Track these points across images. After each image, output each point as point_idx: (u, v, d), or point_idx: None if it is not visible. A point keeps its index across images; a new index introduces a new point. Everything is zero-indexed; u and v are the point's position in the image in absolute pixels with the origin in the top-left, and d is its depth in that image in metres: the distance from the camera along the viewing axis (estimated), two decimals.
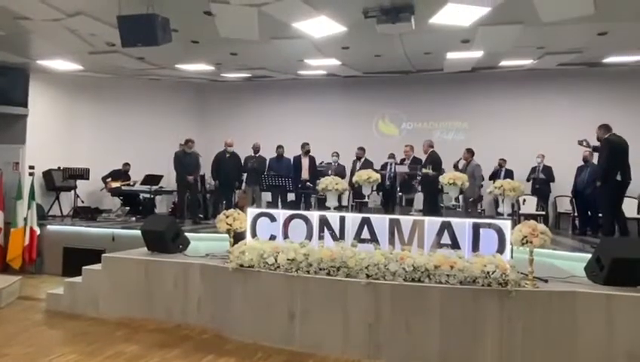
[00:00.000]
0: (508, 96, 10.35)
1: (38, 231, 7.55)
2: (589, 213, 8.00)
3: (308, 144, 9.31)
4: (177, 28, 6.23)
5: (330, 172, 8.53)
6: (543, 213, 9.23)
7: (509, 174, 9.30)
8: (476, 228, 4.46)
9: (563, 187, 9.39)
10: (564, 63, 8.72)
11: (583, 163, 8.40)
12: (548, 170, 9.35)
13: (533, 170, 9.49)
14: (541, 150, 9.43)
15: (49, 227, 7.94)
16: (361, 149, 9.44)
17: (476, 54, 8.03)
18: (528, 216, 8.32)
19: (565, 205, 9.57)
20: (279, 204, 8.84)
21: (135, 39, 5.54)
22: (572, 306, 3.99)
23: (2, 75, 8.97)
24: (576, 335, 3.96)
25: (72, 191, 9.35)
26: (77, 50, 7.90)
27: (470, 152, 8.79)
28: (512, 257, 4.48)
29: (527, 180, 9.42)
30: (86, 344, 4.45)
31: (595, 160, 7.87)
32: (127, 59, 8.40)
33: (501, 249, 4.36)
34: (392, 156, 9.40)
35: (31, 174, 7.96)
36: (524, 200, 8.95)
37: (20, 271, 7.06)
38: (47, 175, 9.29)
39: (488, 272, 4.07)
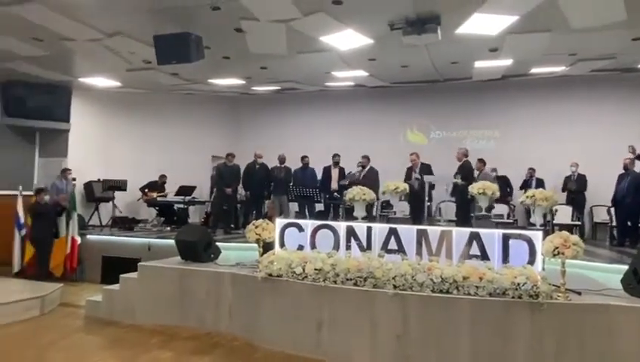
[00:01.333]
0: (540, 104, 10.14)
1: (79, 240, 7.89)
2: (629, 223, 7.71)
3: (338, 155, 9.38)
4: (209, 45, 6.48)
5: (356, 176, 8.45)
6: (579, 223, 8.95)
7: (540, 183, 9.09)
8: (506, 238, 4.40)
9: (599, 196, 9.09)
10: (598, 69, 8.50)
11: (623, 171, 8.10)
12: (582, 179, 9.08)
13: (568, 178, 9.24)
14: (575, 158, 9.18)
15: (89, 236, 8.30)
16: (366, 158, 8.93)
17: (505, 62, 7.94)
18: (563, 227, 8.10)
19: (602, 215, 9.25)
20: (307, 214, 8.94)
21: (170, 57, 5.81)
22: (607, 320, 3.87)
23: (47, 92, 9.54)
24: (611, 350, 3.84)
25: (111, 202, 9.75)
26: (116, 68, 8.32)
27: (482, 162, 8.60)
28: (543, 269, 4.40)
29: (563, 190, 9.18)
30: (123, 350, 4.64)
31: (637, 168, 7.62)
32: (163, 75, 8.77)
33: (532, 260, 4.28)
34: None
35: (73, 186, 8.35)
36: (556, 210, 8.69)
37: (61, 279, 7.39)
38: (88, 186, 9.74)
39: (519, 284, 4.00)
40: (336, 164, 9.35)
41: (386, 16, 5.76)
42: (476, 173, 8.57)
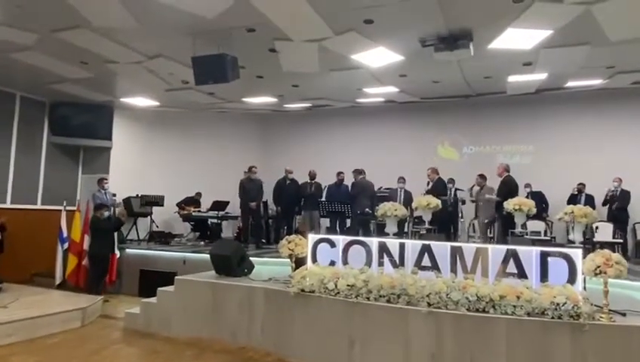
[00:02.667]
0: (576, 118, 9.88)
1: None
2: None
3: (364, 171, 9.39)
4: (244, 65, 6.68)
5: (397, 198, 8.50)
6: (621, 240, 8.57)
7: (590, 200, 8.76)
8: (544, 256, 4.29)
9: None
10: (639, 82, 8.22)
11: None
12: (625, 195, 8.73)
13: (610, 195, 8.89)
14: (617, 173, 8.84)
15: (127, 250, 8.57)
16: (402, 179, 9.21)
17: (540, 76, 7.80)
18: (604, 244, 7.78)
19: None
20: (337, 229, 8.93)
21: (207, 77, 6.02)
22: None
23: (90, 111, 10.02)
24: None
25: (149, 217, 10.06)
26: (155, 88, 8.69)
27: (483, 178, 8.44)
28: (584, 288, 4.25)
29: (603, 205, 8.85)
30: (159, 361, 4.74)
31: None
32: (200, 94, 9.08)
33: (572, 279, 4.15)
34: (451, 181, 9.28)
35: (113, 202, 8.68)
36: (597, 228, 8.37)
37: (100, 291, 7.64)
38: (127, 202, 10.08)
39: (558, 304, 3.88)
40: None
41: (417, 33, 5.81)
42: (476, 188, 8.42)
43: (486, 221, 8.22)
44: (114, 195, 9.07)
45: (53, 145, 9.99)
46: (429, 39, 5.79)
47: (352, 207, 8.67)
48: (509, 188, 7.63)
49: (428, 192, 8.16)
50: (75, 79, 8.11)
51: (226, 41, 5.95)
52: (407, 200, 8.27)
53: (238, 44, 6.10)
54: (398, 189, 9.24)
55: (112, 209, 8.69)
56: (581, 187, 9.15)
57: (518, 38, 5.74)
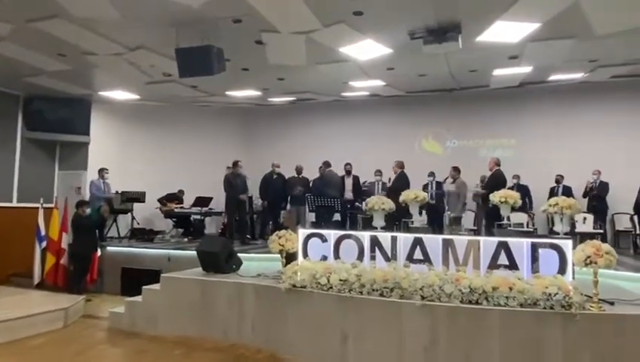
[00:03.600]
0: (558, 111, 10.04)
1: (99, 252, 7.95)
2: None
3: (350, 164, 9.39)
4: (229, 57, 6.53)
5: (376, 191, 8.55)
6: (601, 231, 8.79)
7: (567, 191, 8.95)
8: (535, 248, 4.33)
9: (622, 204, 8.94)
10: (618, 75, 8.41)
11: None
12: (604, 187, 8.94)
13: (589, 187, 9.09)
14: (596, 166, 9.04)
15: (108, 248, 8.35)
16: (379, 172, 9.30)
17: (525, 70, 7.90)
18: (585, 235, 7.96)
19: (625, 223, 9.09)
20: (323, 224, 8.88)
21: (192, 70, 5.87)
22: None
23: (67, 105, 9.69)
24: None
25: (129, 214, 9.81)
26: (135, 81, 8.44)
27: (457, 170, 8.62)
28: (573, 278, 4.31)
29: (584, 196, 9.05)
30: (147, 361, 4.61)
31: None
32: (182, 88, 8.86)
33: (562, 270, 4.20)
34: (431, 174, 9.48)
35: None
36: (585, 219, 8.56)
37: (82, 290, 7.42)
38: (107, 199, 9.80)
39: (550, 294, 3.93)
40: (348, 173, 9.35)
41: (406, 25, 5.78)
42: (450, 180, 8.55)
43: (453, 215, 8.35)
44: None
45: (28, 141, 9.63)
46: (418, 32, 5.77)
47: (315, 199, 8.64)
48: (496, 182, 7.73)
49: (390, 188, 8.28)
50: (52, 72, 7.80)
51: (211, 33, 5.80)
52: (399, 188, 8.21)
53: (223, 35, 5.96)
54: (376, 182, 9.27)
55: (110, 202, 8.67)
56: (559, 178, 9.32)
57: (507, 31, 5.78)
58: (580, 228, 8.70)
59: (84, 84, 8.77)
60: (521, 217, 9.33)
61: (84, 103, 9.93)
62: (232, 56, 6.71)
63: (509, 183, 9.36)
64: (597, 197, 8.95)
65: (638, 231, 8.28)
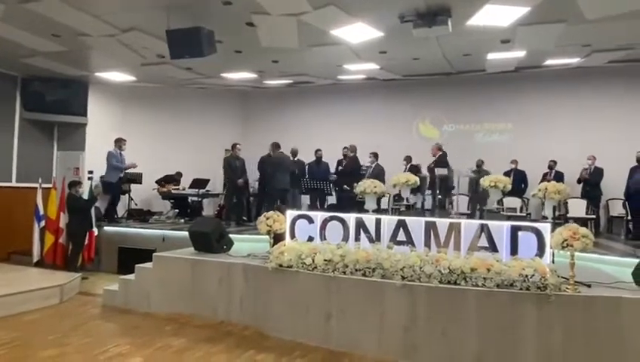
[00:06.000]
0: (555, 96, 10.01)
1: (96, 232, 8.09)
2: None
3: (347, 147, 9.45)
4: (221, 39, 6.55)
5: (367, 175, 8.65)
6: (594, 216, 8.84)
7: (559, 177, 8.98)
8: (515, 231, 4.41)
9: (616, 189, 8.97)
10: (615, 60, 8.35)
11: (636, 163, 8.01)
12: (598, 172, 8.95)
13: (584, 171, 9.10)
14: (592, 151, 9.04)
15: (106, 228, 8.50)
16: (372, 155, 9.39)
17: (518, 54, 7.86)
18: (577, 220, 8.02)
19: (618, 208, 9.13)
20: (318, 206, 9.00)
21: (182, 51, 5.89)
22: (617, 312, 3.86)
23: (64, 87, 9.74)
24: (622, 342, 3.83)
25: (127, 195, 9.94)
26: (130, 63, 8.47)
27: (440, 149, 8.94)
28: (553, 261, 4.40)
29: (578, 182, 9.08)
30: (138, 336, 4.78)
31: None
32: (176, 69, 8.89)
33: (541, 252, 4.29)
34: (407, 158, 9.87)
35: (90, 178, 8.54)
36: (567, 203, 8.61)
37: (79, 269, 7.61)
38: (104, 179, 9.92)
39: (527, 276, 4.02)
40: (345, 156, 9.42)
41: (396, 8, 5.75)
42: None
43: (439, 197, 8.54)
44: (90, 172, 8.88)
45: (27, 122, 9.71)
46: (407, 15, 5.75)
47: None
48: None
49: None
50: (47, 53, 7.84)
51: (202, 15, 5.81)
52: (375, 176, 8.30)
53: (214, 17, 5.96)
54: (368, 165, 9.34)
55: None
56: (552, 163, 9.34)
57: (496, 14, 5.75)
58: (573, 213, 8.77)
59: (81, 66, 8.80)
60: (514, 202, 9.42)
61: (82, 84, 9.98)
62: (224, 38, 6.72)
63: (507, 168, 9.45)
64: (591, 182, 8.97)
65: (629, 217, 8.32)
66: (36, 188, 8.16)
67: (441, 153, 8.77)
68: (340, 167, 9.50)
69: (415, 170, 9.08)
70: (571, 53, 7.89)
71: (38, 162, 9.78)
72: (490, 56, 8.03)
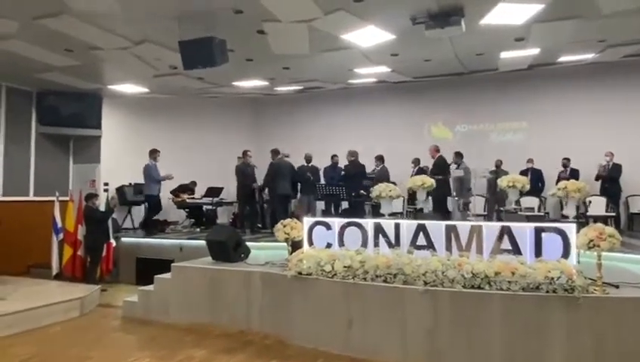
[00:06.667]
0: (570, 93, 9.85)
1: (114, 243, 8.14)
2: None
3: (355, 152, 9.39)
4: (233, 48, 6.56)
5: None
6: (614, 214, 8.66)
7: (574, 174, 8.82)
8: (538, 232, 4.31)
9: (636, 186, 8.79)
10: (630, 55, 8.19)
11: None
12: (617, 168, 8.77)
13: (601, 168, 8.92)
14: (610, 148, 8.87)
15: (123, 239, 8.55)
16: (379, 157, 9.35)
17: (532, 52, 7.75)
18: (597, 218, 7.87)
19: (639, 205, 8.93)
20: (332, 212, 8.95)
21: (195, 62, 5.91)
22: None
23: (79, 100, 9.87)
24: None
25: (143, 206, 9.99)
26: (143, 74, 8.54)
27: (459, 155, 8.77)
28: (578, 262, 4.29)
29: (596, 179, 8.90)
30: (159, 348, 4.77)
31: None
32: (189, 80, 8.94)
33: (566, 253, 4.18)
34: (415, 161, 9.80)
35: (106, 190, 8.60)
36: (590, 202, 8.43)
37: (98, 281, 7.65)
38: (120, 191, 10.01)
39: (553, 278, 3.92)
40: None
41: (407, 10, 5.71)
42: (454, 166, 8.59)
43: (460, 201, 8.41)
44: (106, 184, 8.96)
45: (42, 136, 9.85)
46: (419, 16, 5.70)
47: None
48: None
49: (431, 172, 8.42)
50: (61, 67, 7.95)
51: (213, 24, 5.83)
52: (380, 178, 8.20)
53: (225, 26, 5.98)
54: (374, 167, 9.27)
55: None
56: (566, 162, 9.18)
57: (510, 12, 5.67)
58: (593, 211, 8.59)
59: (94, 79, 8.90)
60: (532, 201, 9.26)
61: (95, 98, 10.10)
62: (236, 46, 6.73)
63: (523, 167, 9.30)
64: (609, 179, 8.79)
65: None
66: (53, 201, 8.24)
67: (439, 155, 8.64)
68: (343, 172, 9.40)
69: (422, 173, 8.98)
70: (586, 49, 7.76)
71: (55, 175, 9.91)
72: (504, 54, 7.93)
